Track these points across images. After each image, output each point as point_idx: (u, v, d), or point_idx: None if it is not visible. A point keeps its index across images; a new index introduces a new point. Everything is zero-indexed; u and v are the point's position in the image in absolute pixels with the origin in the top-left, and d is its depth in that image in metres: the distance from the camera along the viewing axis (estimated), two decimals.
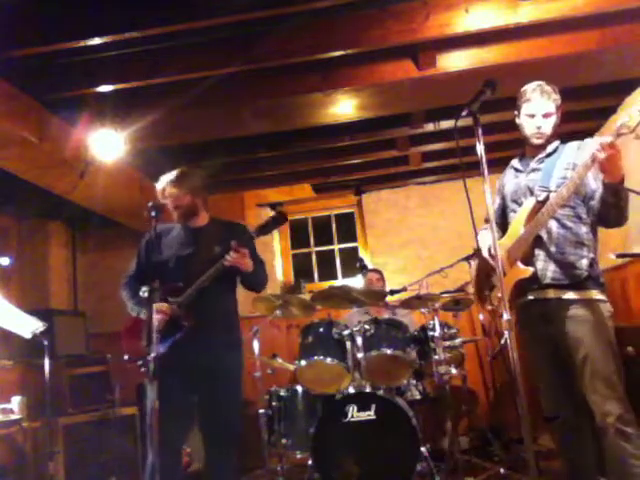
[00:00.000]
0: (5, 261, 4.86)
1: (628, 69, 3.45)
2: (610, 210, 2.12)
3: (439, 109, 3.90)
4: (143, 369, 2.44)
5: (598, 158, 1.93)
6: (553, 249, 2.23)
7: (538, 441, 4.00)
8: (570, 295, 2.20)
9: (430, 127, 4.14)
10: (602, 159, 1.92)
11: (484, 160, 1.99)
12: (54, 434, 3.62)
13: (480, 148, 2.00)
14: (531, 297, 2.30)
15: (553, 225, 2.24)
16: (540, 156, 2.36)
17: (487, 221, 2.48)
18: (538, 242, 2.25)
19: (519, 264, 2.25)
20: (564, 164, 2.25)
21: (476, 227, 2.10)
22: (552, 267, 2.23)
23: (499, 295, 2.27)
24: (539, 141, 2.33)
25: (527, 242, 2.24)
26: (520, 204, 2.35)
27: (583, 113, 4.17)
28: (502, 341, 4.17)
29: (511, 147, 4.69)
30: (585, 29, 3.05)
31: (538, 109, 2.29)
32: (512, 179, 2.45)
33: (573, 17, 2.90)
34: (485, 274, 2.46)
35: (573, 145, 2.30)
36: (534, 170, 2.36)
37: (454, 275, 4.24)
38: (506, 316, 1.92)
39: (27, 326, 3.20)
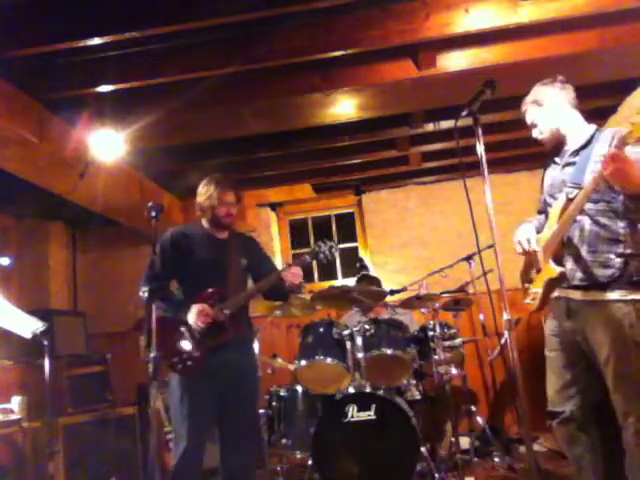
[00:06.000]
0: (5, 261, 4.86)
1: (628, 69, 3.45)
2: (632, 214, 2.07)
3: (439, 109, 3.89)
4: (179, 367, 2.52)
5: (603, 175, 1.89)
6: (585, 247, 2.15)
7: (538, 441, 4.00)
8: (595, 296, 2.13)
9: (430, 127, 4.14)
10: (607, 174, 1.88)
11: (484, 160, 2.00)
12: (54, 434, 3.61)
13: (480, 148, 2.00)
14: (557, 294, 2.25)
15: (586, 222, 2.16)
16: (574, 148, 2.27)
17: (540, 212, 2.48)
18: (569, 241, 2.18)
19: (551, 263, 2.19)
20: (596, 157, 2.14)
21: (476, 227, 2.10)
22: (582, 267, 2.15)
23: (533, 290, 2.27)
24: (547, 147, 2.36)
25: (557, 240, 2.17)
26: (556, 199, 2.27)
27: (583, 113, 4.16)
28: (502, 341, 4.19)
29: (511, 147, 4.70)
30: (585, 29, 3.05)
31: (528, 120, 2.37)
32: (550, 172, 2.39)
33: (573, 17, 2.90)
34: (527, 266, 2.40)
35: (607, 134, 2.19)
36: (568, 164, 2.27)
37: (454, 275, 4.24)
38: (506, 316, 1.92)
39: (27, 326, 3.19)
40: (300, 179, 5.20)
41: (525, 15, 2.84)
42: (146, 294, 2.23)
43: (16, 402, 3.73)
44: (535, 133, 2.36)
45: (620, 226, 2.11)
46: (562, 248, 2.19)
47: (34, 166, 3.51)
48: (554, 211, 2.23)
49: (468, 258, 4.16)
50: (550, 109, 2.31)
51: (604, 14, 2.93)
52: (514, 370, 1.86)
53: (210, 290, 2.60)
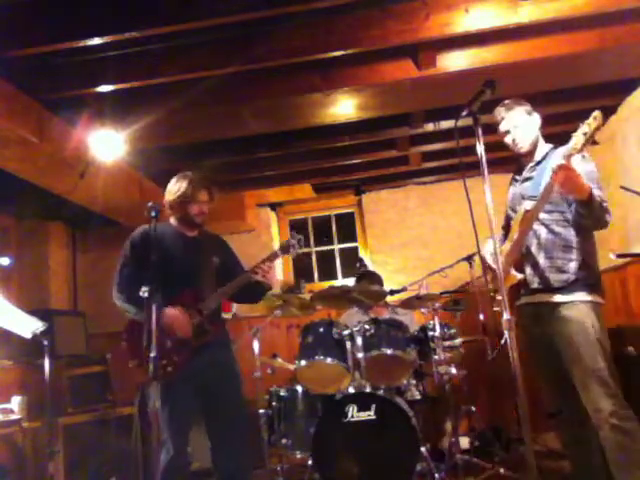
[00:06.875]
0: (5, 261, 4.86)
1: (628, 69, 3.45)
2: (584, 220, 2.20)
3: (439, 109, 3.89)
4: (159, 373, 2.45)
5: (554, 183, 2.04)
6: (542, 254, 2.32)
7: (538, 441, 3.99)
8: (557, 298, 2.28)
9: (430, 127, 4.14)
10: (558, 183, 2.03)
11: (484, 160, 2.00)
12: (54, 434, 3.61)
13: (480, 148, 2.00)
14: (523, 301, 2.40)
15: (542, 231, 2.33)
16: (531, 164, 2.44)
17: (504, 228, 2.61)
18: (528, 249, 2.35)
19: (511, 270, 2.34)
20: (550, 170, 2.25)
21: (476, 227, 2.10)
22: (540, 272, 2.31)
23: (498, 297, 2.33)
24: (523, 150, 2.43)
25: (517, 249, 2.33)
26: (516, 212, 2.42)
27: (583, 113, 4.15)
28: (502, 341, 4.17)
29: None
30: (585, 29, 3.06)
31: (508, 124, 2.41)
32: (512, 188, 2.56)
33: (573, 17, 2.91)
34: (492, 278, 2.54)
35: (560, 151, 2.30)
36: (527, 179, 2.44)
37: (454, 275, 4.24)
38: (506, 316, 1.93)
39: (27, 326, 3.19)
40: (300, 179, 5.20)
41: (525, 15, 2.84)
42: (146, 294, 2.21)
43: (16, 402, 3.73)
44: (518, 134, 2.41)
45: (572, 234, 2.29)
46: (521, 256, 2.35)
47: (34, 166, 3.51)
48: (514, 223, 2.38)
49: (468, 258, 4.16)
50: (536, 120, 2.45)
51: (604, 14, 2.93)
52: (514, 370, 1.86)
53: (186, 293, 2.56)
